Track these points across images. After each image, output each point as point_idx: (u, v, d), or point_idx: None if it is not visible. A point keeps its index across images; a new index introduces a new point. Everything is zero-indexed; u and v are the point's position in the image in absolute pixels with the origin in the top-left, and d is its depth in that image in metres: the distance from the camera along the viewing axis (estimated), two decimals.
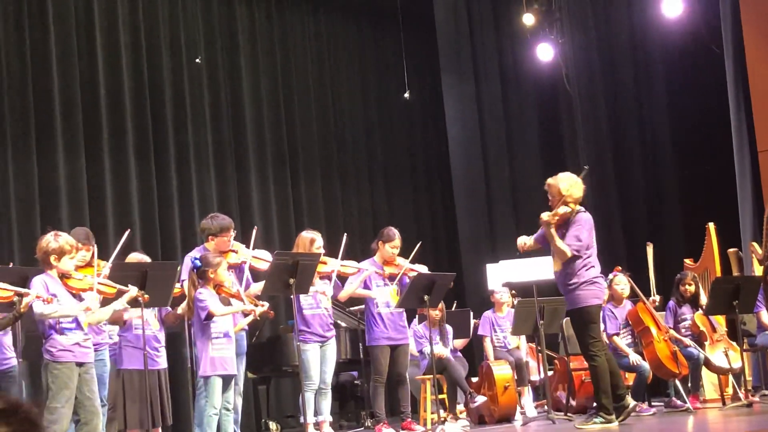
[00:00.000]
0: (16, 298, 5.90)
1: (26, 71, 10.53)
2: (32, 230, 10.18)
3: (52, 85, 10.64)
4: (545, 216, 7.43)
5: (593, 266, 7.35)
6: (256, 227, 8.00)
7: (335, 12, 13.68)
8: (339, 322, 9.76)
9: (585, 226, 7.38)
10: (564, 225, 7.41)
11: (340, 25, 13.72)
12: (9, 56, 10.43)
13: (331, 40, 13.61)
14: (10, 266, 7.90)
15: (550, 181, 7.63)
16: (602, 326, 8.29)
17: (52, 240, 5.99)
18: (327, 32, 13.55)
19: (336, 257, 8.02)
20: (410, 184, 14.17)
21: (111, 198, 10.94)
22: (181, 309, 7.02)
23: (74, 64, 10.86)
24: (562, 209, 7.38)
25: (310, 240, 7.96)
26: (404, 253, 8.43)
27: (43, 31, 10.66)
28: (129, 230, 7.49)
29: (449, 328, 9.42)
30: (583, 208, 7.51)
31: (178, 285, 7.07)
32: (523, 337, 9.73)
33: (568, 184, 7.46)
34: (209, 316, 6.81)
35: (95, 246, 6.81)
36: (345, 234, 8.16)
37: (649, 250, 10.09)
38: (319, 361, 7.85)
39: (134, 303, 6.49)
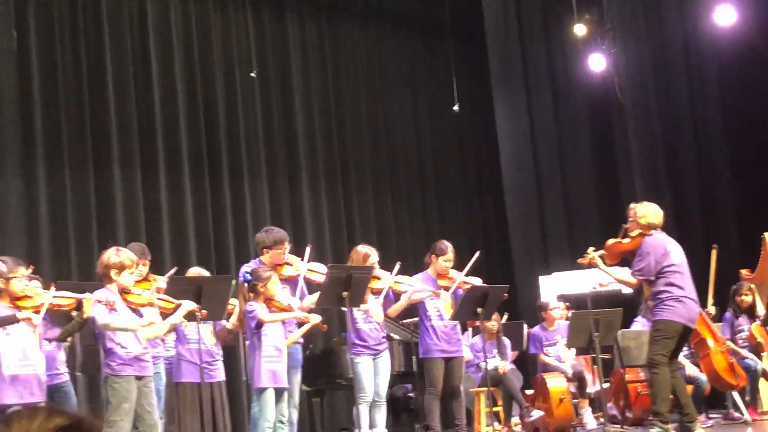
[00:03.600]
0: (75, 313, 5.99)
1: (82, 89, 10.70)
2: (89, 245, 10.34)
3: (107, 102, 10.80)
4: (587, 258, 7.58)
5: (677, 284, 7.41)
6: (310, 245, 8.03)
7: (386, 25, 13.72)
8: (392, 334, 9.75)
9: (649, 251, 7.47)
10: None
11: (390, 38, 13.75)
12: (65, 73, 10.61)
13: (382, 53, 13.65)
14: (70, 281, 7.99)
15: (632, 204, 7.81)
16: None
17: (113, 255, 6.08)
18: (377, 46, 13.59)
19: (389, 272, 8.03)
20: (462, 197, 14.14)
21: (166, 212, 11.06)
22: (231, 324, 7.08)
23: (129, 81, 11.02)
24: (598, 253, 7.61)
25: (365, 255, 7.96)
26: (457, 265, 8.42)
27: (98, 48, 10.83)
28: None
29: (507, 341, 9.38)
30: (655, 232, 7.58)
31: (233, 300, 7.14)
32: (573, 350, 9.67)
33: (644, 210, 7.62)
34: (259, 325, 6.85)
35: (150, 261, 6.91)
36: (398, 263, 8.09)
37: (714, 254, 9.82)
38: (373, 373, 7.86)
39: (190, 317, 6.55)
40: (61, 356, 7.03)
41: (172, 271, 7.47)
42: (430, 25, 13.96)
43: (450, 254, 8.32)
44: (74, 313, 5.98)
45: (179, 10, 11.58)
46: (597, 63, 12.86)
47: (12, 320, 5.78)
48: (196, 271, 7.44)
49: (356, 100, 13.23)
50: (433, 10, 13.78)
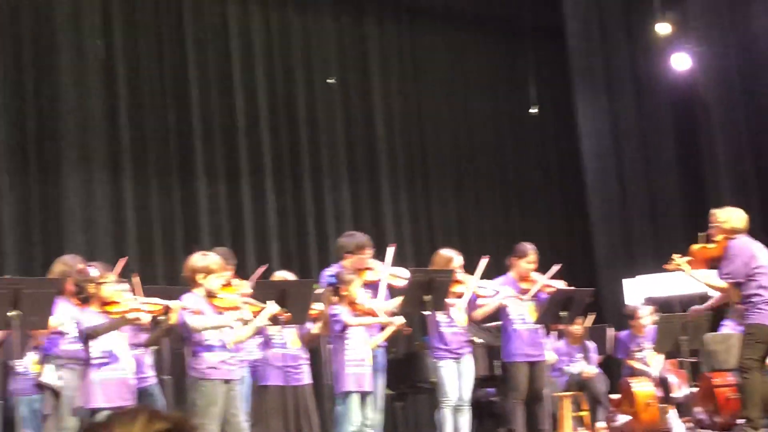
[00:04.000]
0: (162, 317, 6.09)
1: (166, 97, 10.87)
2: (174, 251, 10.50)
3: (190, 109, 10.96)
4: (672, 264, 7.57)
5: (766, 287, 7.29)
6: (393, 245, 8.03)
7: (465, 27, 13.66)
8: (475, 338, 9.70)
9: (736, 253, 7.37)
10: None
11: (470, 40, 13.69)
12: (150, 81, 10.79)
13: (462, 55, 13.59)
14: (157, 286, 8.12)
15: (713, 210, 7.72)
16: None
17: (199, 259, 6.17)
18: (457, 47, 13.53)
19: (471, 275, 7.99)
20: (544, 199, 14.01)
21: (249, 218, 11.18)
22: (317, 328, 7.12)
23: (211, 88, 11.17)
24: (684, 260, 7.51)
25: (447, 258, 7.95)
26: (540, 268, 8.35)
27: (181, 56, 11.00)
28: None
29: (591, 345, 9.27)
30: (738, 236, 7.44)
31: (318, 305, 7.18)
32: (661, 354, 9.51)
33: (727, 214, 7.55)
34: (343, 328, 6.88)
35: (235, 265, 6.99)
36: (483, 257, 8.07)
37: None
38: (456, 377, 7.83)
39: (274, 321, 6.61)
40: (148, 360, 7.14)
41: (261, 270, 7.53)
42: (509, 26, 13.87)
43: (532, 257, 8.26)
44: (161, 318, 6.07)
45: (260, 16, 11.70)
46: (681, 62, 12.63)
47: (116, 325, 5.89)
48: (281, 275, 7.52)
49: (436, 102, 13.21)
50: (513, 11, 13.69)
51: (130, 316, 5.87)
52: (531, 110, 13.45)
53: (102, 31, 10.47)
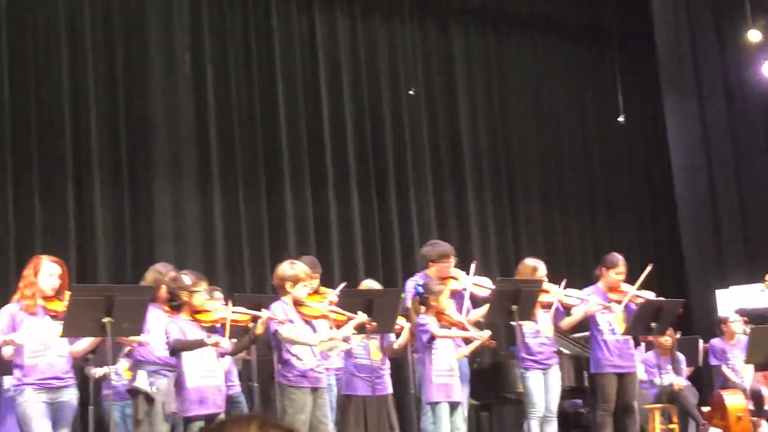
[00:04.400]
0: (250, 324, 6.16)
1: (254, 108, 11.00)
2: (262, 259, 10.62)
3: (278, 119, 11.08)
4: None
5: None
6: (475, 261, 8.01)
7: (551, 34, 13.57)
8: (562, 349, 9.61)
9: None
10: None
11: (556, 47, 13.59)
12: (239, 93, 10.93)
13: (548, 62, 13.49)
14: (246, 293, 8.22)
15: None
16: None
17: (288, 268, 6.24)
18: (543, 55, 13.45)
19: (558, 285, 7.94)
20: (632, 208, 13.81)
21: (335, 227, 11.25)
22: (402, 339, 7.13)
23: (299, 98, 11.27)
24: None
25: (533, 268, 7.90)
26: (629, 279, 8.24)
27: (269, 67, 11.13)
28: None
29: (681, 356, 9.12)
30: None
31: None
32: (751, 366, 9.30)
33: None
34: (431, 339, 6.87)
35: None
36: (564, 280, 8.01)
37: None
38: (543, 388, 7.76)
39: (360, 330, 6.63)
40: (234, 367, 7.22)
41: (342, 285, 7.57)
42: (596, 32, 13.73)
43: (621, 267, 8.16)
44: (249, 326, 6.14)
45: (347, 27, 11.78)
46: None
47: (200, 344, 5.98)
48: (368, 284, 7.55)
49: (522, 111, 13.13)
50: (600, 19, 13.55)
51: (210, 341, 5.94)
52: (619, 119, 13.26)
53: (192, 45, 10.65)
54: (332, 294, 7.08)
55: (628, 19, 13.53)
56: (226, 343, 6.08)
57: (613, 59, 13.54)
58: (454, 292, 7.66)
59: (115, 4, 10.31)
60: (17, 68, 9.63)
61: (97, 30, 10.16)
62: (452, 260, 7.81)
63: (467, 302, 7.64)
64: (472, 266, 7.76)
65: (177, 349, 5.96)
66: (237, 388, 7.26)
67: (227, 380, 7.05)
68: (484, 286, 7.81)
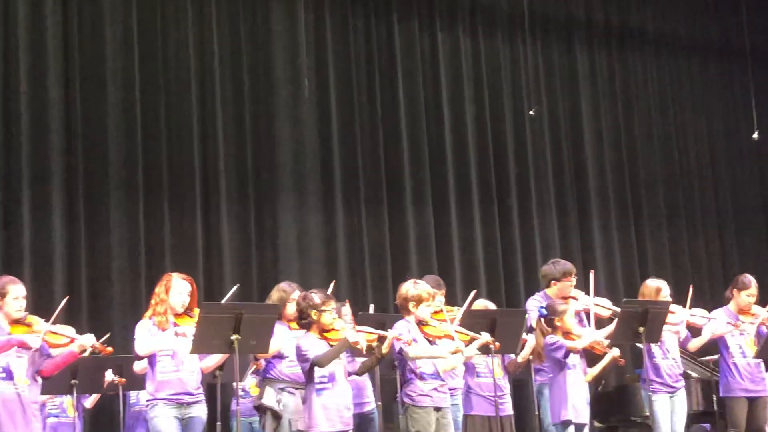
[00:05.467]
0: (374, 344, 6.21)
1: (377, 128, 11.09)
2: (384, 278, 10.69)
3: (400, 138, 11.14)
4: None
5: None
6: (593, 271, 7.93)
7: (679, 53, 13.32)
8: (690, 372, 9.40)
9: None
10: None
11: (683, 65, 13.33)
12: (361, 113, 11.03)
13: (674, 80, 13.24)
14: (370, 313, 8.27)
15: None
16: None
17: (411, 287, 6.28)
18: (670, 73, 13.20)
19: (683, 306, 7.79)
20: (763, 228, 13.42)
21: (457, 245, 11.24)
22: (521, 357, 7.10)
23: (421, 118, 11.31)
24: None
25: (656, 289, 7.78)
26: (760, 301, 8.04)
27: (392, 87, 11.21)
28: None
29: None
30: None
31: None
32: None
33: None
34: (566, 354, 6.82)
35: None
36: (691, 286, 7.88)
37: None
38: (670, 411, 7.62)
39: (484, 350, 6.62)
40: (369, 384, 7.25)
41: (468, 301, 7.55)
42: (726, 50, 13.42)
43: (753, 289, 8.03)
44: (374, 345, 6.19)
45: (469, 46, 11.78)
46: None
47: (344, 346, 6.04)
48: (483, 304, 7.52)
49: (648, 130, 12.91)
50: (730, 35, 13.24)
51: (351, 339, 5.99)
52: (754, 136, 12.89)
53: (317, 66, 10.81)
54: (458, 312, 7.09)
55: (759, 35, 13.18)
56: (364, 344, 6.09)
57: (743, 76, 13.21)
58: (575, 313, 7.58)
59: (242, 27, 10.54)
60: (149, 91, 9.91)
61: (224, 52, 10.40)
62: (573, 279, 7.76)
63: (591, 322, 7.54)
64: (591, 282, 7.66)
65: (318, 363, 5.99)
66: (370, 405, 7.27)
67: (362, 397, 7.10)
68: (605, 307, 7.73)
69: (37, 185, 9.28)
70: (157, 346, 6.09)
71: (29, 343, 5.85)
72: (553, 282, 7.73)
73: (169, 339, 6.08)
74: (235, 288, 7.90)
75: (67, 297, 7.13)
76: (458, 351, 6.21)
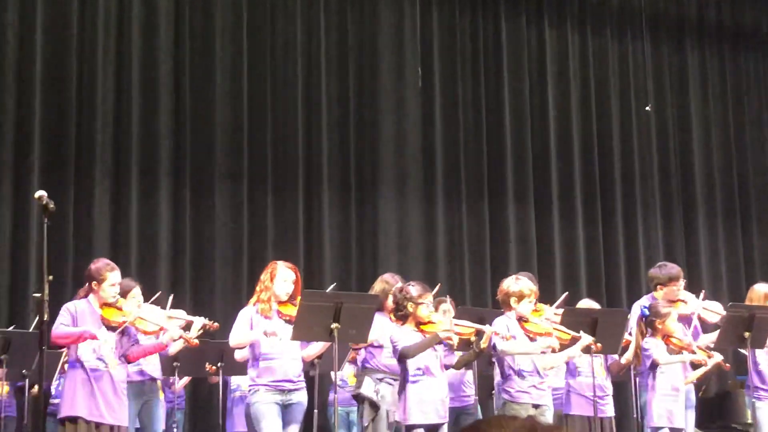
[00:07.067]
0: (473, 338, 6.20)
1: (480, 121, 11.05)
2: (482, 274, 10.65)
3: (503, 135, 11.09)
4: None
5: None
6: (704, 291, 7.77)
7: None
8: None
9: None
10: None
11: None
12: (465, 108, 11.00)
13: None
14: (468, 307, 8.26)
15: None
16: None
17: (512, 284, 6.25)
18: None
19: None
20: None
21: (558, 246, 11.13)
22: (625, 359, 7.01)
23: (526, 114, 11.24)
24: None
25: (765, 294, 7.58)
26: None
27: (497, 81, 11.17)
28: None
29: None
30: None
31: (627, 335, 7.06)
32: None
33: None
34: (654, 365, 6.72)
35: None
36: None
37: None
38: None
39: (586, 350, 6.55)
40: (469, 378, 7.24)
41: (559, 301, 7.50)
42: None
43: None
44: (473, 339, 6.18)
45: (577, 43, 11.66)
46: None
47: (434, 341, 6.07)
48: (587, 304, 7.45)
49: (759, 133, 12.59)
50: None
51: (443, 335, 6.02)
52: None
53: (422, 59, 10.82)
54: (549, 310, 7.03)
55: None
56: (457, 338, 6.09)
57: None
58: (683, 317, 7.44)
59: (349, 21, 10.62)
60: (255, 85, 10.07)
61: (331, 46, 10.50)
62: (681, 283, 7.60)
63: (697, 326, 7.40)
64: (702, 293, 7.54)
65: (405, 354, 6.04)
66: (470, 400, 7.27)
67: (460, 391, 7.09)
68: (714, 311, 7.56)
69: (146, 175, 9.50)
70: (246, 342, 6.22)
71: (98, 337, 5.99)
72: (659, 286, 7.58)
73: (258, 336, 6.16)
74: (332, 286, 7.96)
75: (172, 295, 7.24)
76: (552, 349, 6.14)
